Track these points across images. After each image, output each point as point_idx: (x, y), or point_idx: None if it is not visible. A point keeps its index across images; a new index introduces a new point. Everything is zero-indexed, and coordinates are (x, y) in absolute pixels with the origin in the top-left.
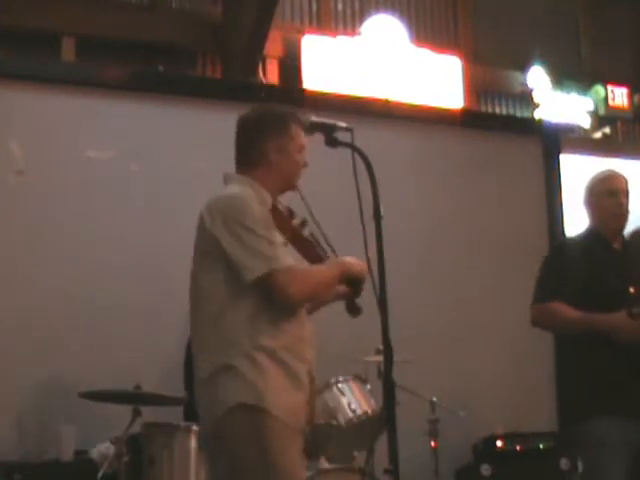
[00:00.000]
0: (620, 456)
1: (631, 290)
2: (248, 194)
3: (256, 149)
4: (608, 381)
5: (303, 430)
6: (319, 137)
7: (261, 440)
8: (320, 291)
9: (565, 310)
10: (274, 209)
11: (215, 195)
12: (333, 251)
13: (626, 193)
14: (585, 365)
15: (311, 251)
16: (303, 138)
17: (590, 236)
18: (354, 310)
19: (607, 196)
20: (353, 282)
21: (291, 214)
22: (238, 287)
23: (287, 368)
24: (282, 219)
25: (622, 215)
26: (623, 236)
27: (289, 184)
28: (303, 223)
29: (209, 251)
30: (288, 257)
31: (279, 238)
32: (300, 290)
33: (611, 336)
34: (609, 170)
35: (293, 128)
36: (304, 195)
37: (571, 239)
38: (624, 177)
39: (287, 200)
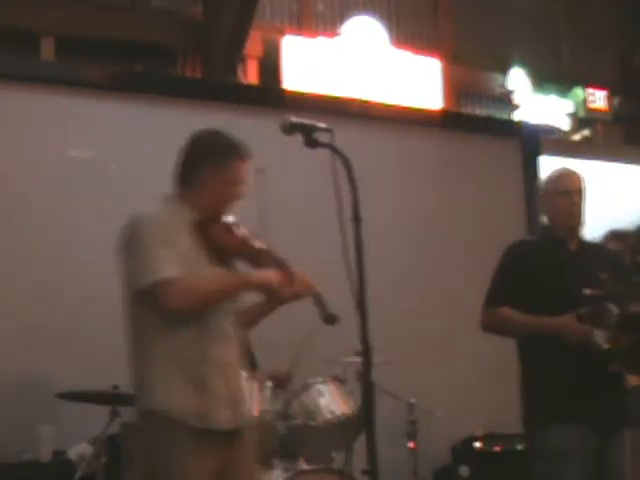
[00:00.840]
0: (577, 466)
1: (586, 292)
2: (152, 213)
3: (195, 171)
4: (564, 389)
5: (220, 432)
6: (298, 137)
7: (159, 443)
8: (209, 300)
9: (513, 314)
10: (202, 226)
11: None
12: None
13: (579, 192)
14: (542, 373)
15: (258, 262)
16: (245, 173)
17: (545, 236)
18: (328, 319)
19: (560, 195)
20: (271, 293)
21: (230, 229)
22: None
23: (189, 373)
24: (213, 235)
25: (575, 214)
26: (580, 236)
27: (219, 209)
28: (248, 236)
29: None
30: (199, 269)
31: (188, 253)
32: (182, 301)
33: (560, 339)
34: (563, 168)
35: (234, 160)
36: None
37: (525, 239)
38: (578, 176)
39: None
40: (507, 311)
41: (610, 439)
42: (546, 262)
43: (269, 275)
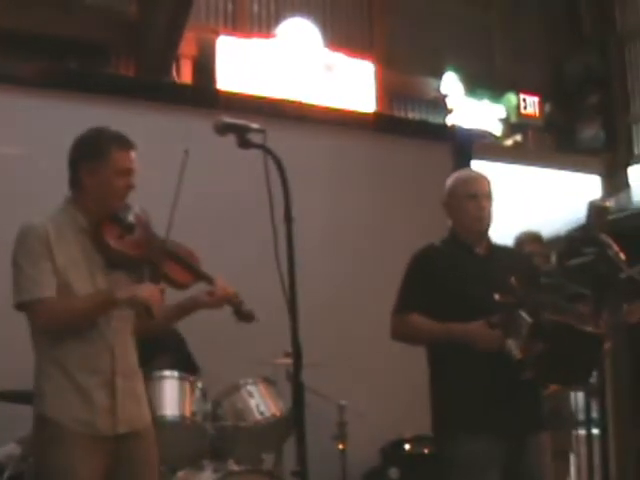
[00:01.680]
0: (490, 475)
1: (496, 297)
2: (31, 225)
3: (72, 171)
4: (475, 398)
5: (104, 437)
6: (231, 138)
7: (47, 447)
8: (74, 322)
9: (422, 322)
10: (94, 229)
11: None
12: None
13: (488, 196)
14: (452, 381)
15: (136, 273)
16: (128, 162)
17: (451, 241)
18: (243, 317)
19: (469, 199)
20: (140, 311)
21: (127, 231)
22: None
23: (74, 382)
24: (100, 239)
25: (484, 218)
26: (489, 240)
27: (106, 206)
28: (136, 244)
29: None
30: (79, 283)
31: (69, 265)
32: (47, 323)
33: (470, 346)
34: (470, 171)
35: (110, 151)
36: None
37: (432, 244)
38: (487, 179)
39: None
40: (416, 318)
41: (526, 445)
42: (453, 267)
43: (142, 292)
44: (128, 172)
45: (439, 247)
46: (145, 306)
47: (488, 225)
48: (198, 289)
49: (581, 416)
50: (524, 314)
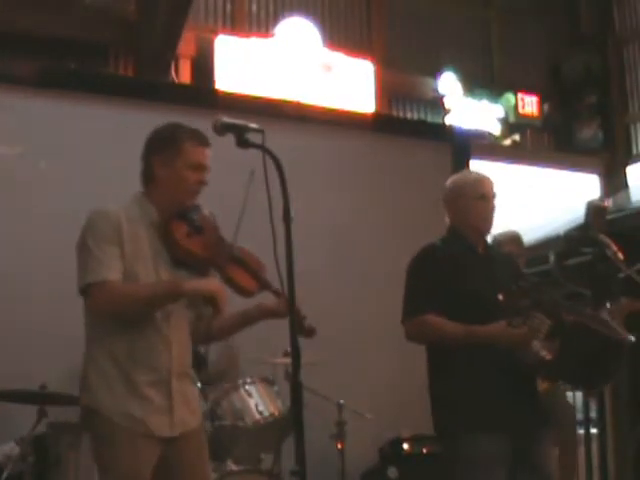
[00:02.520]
0: (500, 472)
1: (500, 297)
2: (104, 210)
3: (145, 163)
4: (483, 396)
5: (159, 438)
6: (230, 138)
7: (97, 440)
8: (133, 308)
9: (443, 323)
10: (164, 226)
11: None
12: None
13: (495, 197)
14: (459, 381)
15: (204, 272)
16: (201, 157)
17: (453, 240)
18: (305, 332)
19: (478, 200)
20: (209, 301)
21: (195, 230)
22: None
23: (126, 376)
24: (170, 236)
25: (492, 219)
26: (486, 240)
27: (178, 200)
28: (220, 240)
29: None
30: (145, 273)
31: (135, 252)
32: (108, 305)
33: (494, 346)
34: (478, 173)
35: (185, 145)
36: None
37: (434, 244)
38: (493, 181)
39: None
40: (434, 319)
41: (534, 441)
42: (458, 266)
43: (209, 285)
44: (201, 167)
45: (441, 246)
46: (212, 299)
47: (492, 226)
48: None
49: (580, 415)
50: (539, 314)
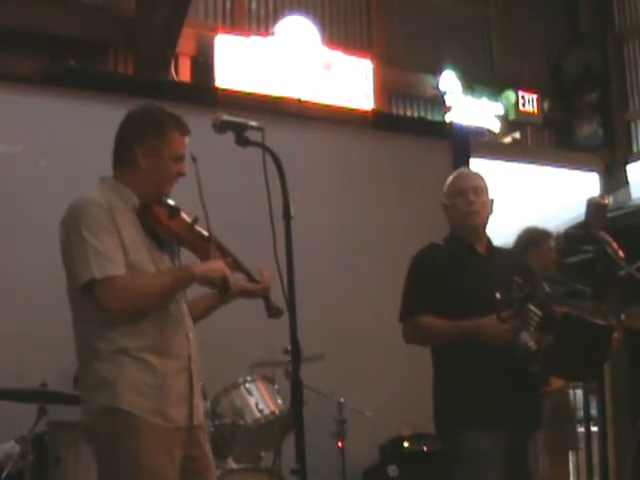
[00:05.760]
0: (495, 468)
1: (498, 296)
2: (94, 198)
3: (126, 148)
4: (482, 393)
5: (179, 428)
6: (230, 136)
7: (122, 440)
8: (147, 302)
9: (434, 322)
10: (145, 209)
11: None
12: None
13: (475, 190)
14: (459, 378)
15: (203, 249)
16: (183, 148)
17: (453, 240)
18: (272, 312)
19: (457, 195)
20: (216, 285)
21: (173, 213)
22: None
23: (151, 368)
24: (157, 219)
25: (473, 213)
26: (489, 241)
27: (157, 190)
28: (193, 222)
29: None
30: (141, 260)
31: (131, 241)
32: (120, 303)
33: (483, 340)
34: (459, 170)
35: (173, 135)
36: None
37: (434, 244)
38: (475, 175)
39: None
40: (428, 320)
41: (527, 441)
42: (455, 265)
43: (216, 266)
44: (182, 158)
45: (441, 246)
46: (223, 278)
47: (480, 219)
48: None
49: (580, 413)
50: (533, 307)
